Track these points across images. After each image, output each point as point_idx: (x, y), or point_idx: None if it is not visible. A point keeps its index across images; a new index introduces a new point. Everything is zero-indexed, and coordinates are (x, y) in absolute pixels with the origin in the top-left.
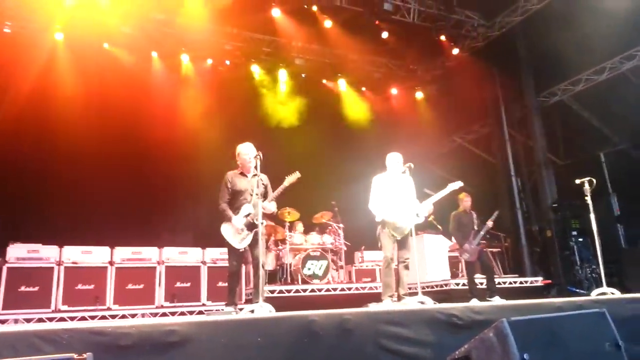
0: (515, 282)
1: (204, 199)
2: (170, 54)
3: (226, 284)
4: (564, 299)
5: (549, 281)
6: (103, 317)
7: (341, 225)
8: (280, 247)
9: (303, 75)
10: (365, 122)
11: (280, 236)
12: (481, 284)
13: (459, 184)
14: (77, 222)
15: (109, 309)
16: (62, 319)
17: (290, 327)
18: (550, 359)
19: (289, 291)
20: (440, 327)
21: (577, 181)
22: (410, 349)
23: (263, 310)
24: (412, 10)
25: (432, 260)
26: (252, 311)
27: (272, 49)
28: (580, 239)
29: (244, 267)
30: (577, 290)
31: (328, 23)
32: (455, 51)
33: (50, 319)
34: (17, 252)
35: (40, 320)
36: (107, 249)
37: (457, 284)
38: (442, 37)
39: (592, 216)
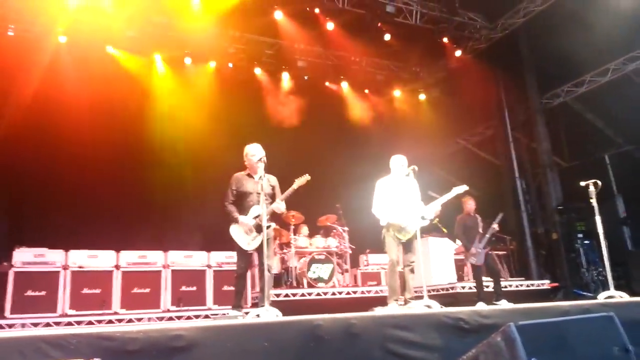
0: (521, 285)
1: (209, 202)
2: (174, 57)
3: (232, 288)
4: (572, 302)
5: (556, 284)
6: (110, 322)
7: (346, 229)
8: (285, 251)
9: (306, 77)
10: (368, 124)
11: (285, 239)
12: (487, 287)
13: (463, 188)
14: (82, 226)
15: (115, 313)
16: (69, 324)
17: (296, 332)
18: None
19: (294, 295)
20: (447, 331)
21: (582, 183)
22: (417, 353)
23: (269, 314)
24: (414, 12)
25: (438, 263)
26: (258, 315)
27: (274, 52)
28: (586, 242)
29: (249, 270)
30: (584, 293)
31: (330, 25)
32: (458, 53)
33: (57, 324)
34: (23, 256)
35: (47, 324)
36: (112, 252)
37: (464, 287)
38: (445, 39)
39: (598, 218)
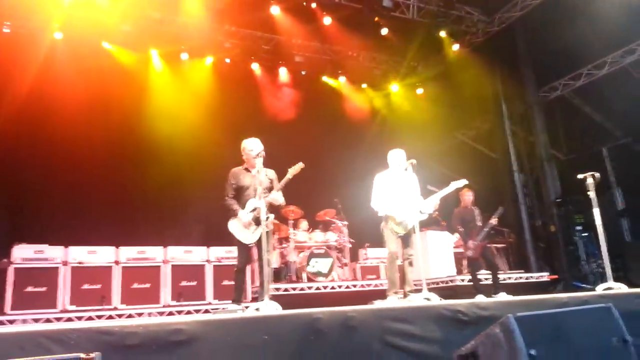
0: (520, 278)
1: (208, 197)
2: (170, 53)
3: (231, 282)
4: (570, 294)
5: (555, 276)
6: (110, 317)
7: (345, 223)
8: (284, 245)
9: (303, 72)
10: (366, 119)
11: (284, 234)
12: (486, 279)
13: (462, 182)
14: (82, 222)
15: (115, 308)
16: (69, 319)
17: (296, 325)
18: (556, 354)
19: (294, 289)
20: (446, 324)
21: (580, 176)
22: (416, 345)
23: (269, 308)
24: (411, 6)
25: (437, 256)
26: (258, 309)
27: (271, 47)
28: (585, 234)
29: (249, 265)
30: (583, 285)
31: (327, 20)
32: (456, 47)
33: (58, 319)
34: (23, 252)
35: (47, 320)
36: (112, 248)
37: (463, 280)
38: (442, 33)
39: (596, 211)
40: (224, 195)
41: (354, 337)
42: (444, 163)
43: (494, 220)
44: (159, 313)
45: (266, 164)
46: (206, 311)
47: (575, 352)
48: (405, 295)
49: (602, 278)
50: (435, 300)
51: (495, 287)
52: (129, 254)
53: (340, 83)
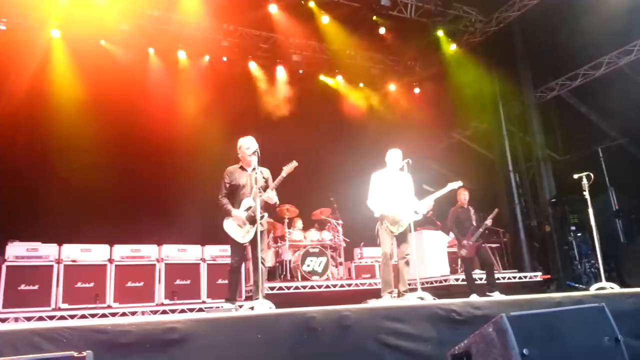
0: (514, 277)
1: (203, 196)
2: (167, 51)
3: (226, 281)
4: (564, 293)
5: (548, 276)
6: (103, 315)
7: (340, 222)
8: (279, 244)
9: (300, 71)
10: (363, 118)
11: (280, 233)
12: (480, 279)
13: (458, 184)
14: (75, 220)
15: (109, 306)
16: (62, 317)
17: (290, 324)
18: (549, 353)
19: (288, 288)
20: (439, 323)
21: (575, 176)
22: (410, 344)
23: (263, 307)
24: (409, 5)
25: (431, 256)
26: (252, 308)
27: (269, 45)
28: (579, 234)
29: (243, 263)
30: (576, 285)
31: (325, 19)
32: (453, 47)
33: (51, 318)
34: (16, 250)
35: (40, 318)
36: (106, 246)
37: (457, 280)
38: (440, 33)
39: (591, 211)
40: (218, 194)
41: (348, 336)
42: (441, 162)
43: (489, 221)
44: (152, 311)
45: (262, 163)
46: (200, 310)
47: (567, 351)
48: (399, 295)
49: (596, 278)
50: (429, 300)
51: (490, 286)
52: (123, 252)
53: (337, 82)
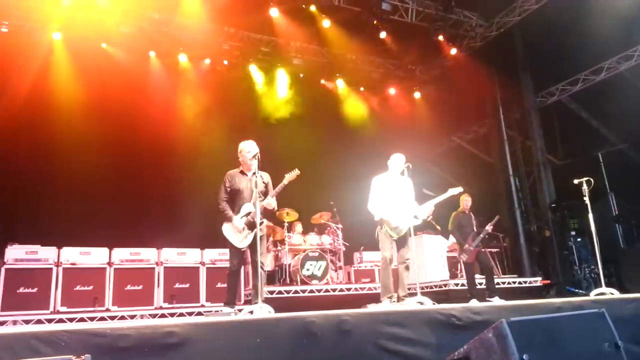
0: (514, 283)
1: (203, 199)
2: (168, 54)
3: (225, 285)
4: (563, 299)
5: (548, 281)
6: (102, 319)
7: (340, 226)
8: (279, 248)
9: (301, 75)
10: (363, 122)
11: (279, 237)
12: (480, 284)
13: (459, 190)
14: (75, 223)
15: (107, 310)
16: (60, 321)
17: (289, 328)
18: (549, 359)
19: (287, 292)
20: (439, 328)
21: (576, 181)
22: (409, 349)
23: (262, 311)
24: (410, 10)
25: (431, 260)
26: (252, 312)
27: (270, 49)
28: (579, 239)
29: (242, 267)
30: (576, 290)
31: (326, 23)
32: (454, 51)
33: (49, 321)
34: (15, 253)
35: (39, 321)
36: (105, 250)
37: (457, 285)
38: (441, 37)
39: (591, 216)
40: (218, 199)
41: (348, 340)
42: (441, 166)
43: (489, 227)
44: (151, 315)
45: (262, 167)
46: (199, 314)
47: (567, 357)
48: (399, 300)
49: (596, 283)
50: (429, 305)
51: (490, 291)
52: (122, 255)
53: (338, 86)
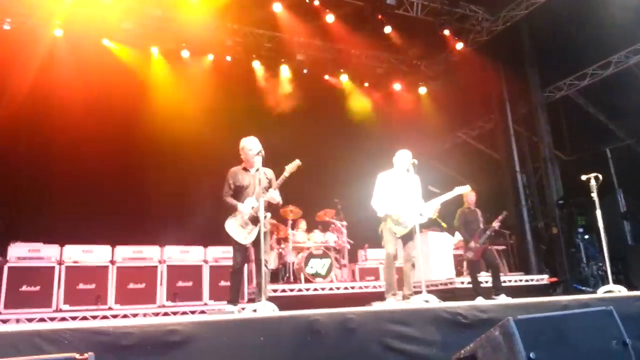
0: (520, 280)
1: (206, 197)
2: (171, 50)
3: (228, 283)
4: (571, 297)
5: (555, 279)
6: (104, 317)
7: (344, 223)
8: (282, 246)
9: (305, 70)
10: (368, 118)
11: (283, 234)
12: (486, 282)
13: (466, 189)
14: (77, 221)
15: (110, 308)
16: (63, 319)
17: (293, 327)
18: (557, 357)
19: (291, 290)
20: (445, 326)
21: (583, 177)
22: (415, 347)
23: (266, 309)
24: (415, 4)
25: (437, 258)
26: (255, 310)
27: (273, 45)
28: (586, 236)
29: (246, 265)
30: (583, 287)
31: (330, 18)
32: (460, 46)
33: (52, 319)
34: (18, 251)
35: (41, 320)
36: (108, 247)
37: (462, 282)
38: (446, 32)
39: (599, 212)
40: (223, 195)
41: (352, 339)
42: (446, 163)
43: (496, 224)
44: (154, 313)
45: (267, 163)
46: (202, 312)
47: (575, 355)
48: (404, 298)
49: (603, 281)
50: (435, 303)
51: (496, 288)
52: (125, 253)
53: (342, 82)
